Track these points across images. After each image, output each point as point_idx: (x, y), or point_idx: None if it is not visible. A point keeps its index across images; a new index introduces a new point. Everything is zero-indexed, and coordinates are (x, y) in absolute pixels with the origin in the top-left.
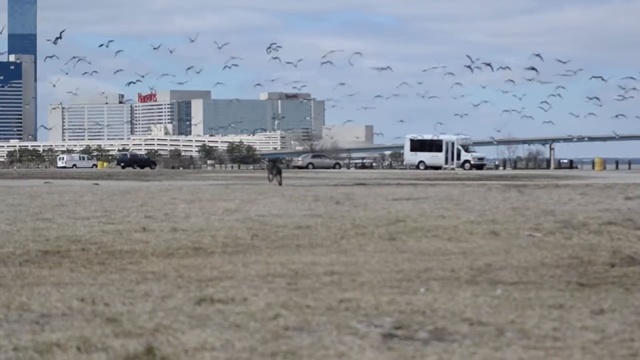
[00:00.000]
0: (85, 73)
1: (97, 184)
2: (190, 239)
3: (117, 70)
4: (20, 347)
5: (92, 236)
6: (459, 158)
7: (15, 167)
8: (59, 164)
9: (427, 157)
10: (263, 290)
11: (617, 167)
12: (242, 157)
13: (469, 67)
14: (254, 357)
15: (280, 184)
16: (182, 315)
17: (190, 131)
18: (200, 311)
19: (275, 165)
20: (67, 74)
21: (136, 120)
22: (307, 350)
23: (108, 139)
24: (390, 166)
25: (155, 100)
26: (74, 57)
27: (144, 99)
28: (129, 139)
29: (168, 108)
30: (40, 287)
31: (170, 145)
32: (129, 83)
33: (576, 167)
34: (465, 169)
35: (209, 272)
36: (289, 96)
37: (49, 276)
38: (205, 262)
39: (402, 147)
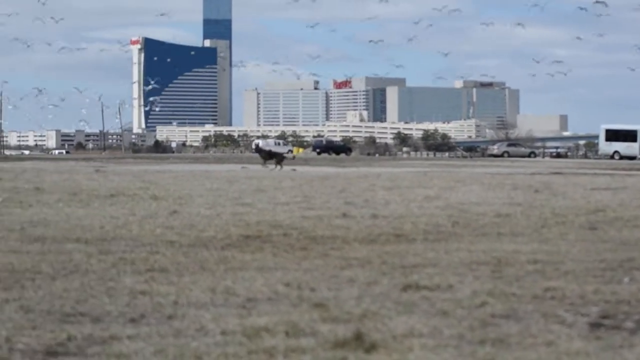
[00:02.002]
0: (279, 60)
1: (294, 169)
2: (391, 226)
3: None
4: (228, 331)
5: (293, 221)
6: None
7: (211, 152)
8: None
9: (622, 147)
10: (468, 278)
11: None
12: (437, 144)
13: None
14: (462, 344)
15: (278, 167)
16: (389, 302)
17: (385, 118)
18: (407, 297)
19: (268, 154)
20: (262, 59)
21: (331, 107)
22: (515, 338)
23: (303, 124)
24: (584, 156)
25: (351, 87)
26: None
27: (339, 85)
28: (324, 125)
29: (363, 95)
30: (244, 272)
31: (365, 131)
32: None
33: None
34: None
35: (412, 259)
36: (483, 84)
37: (251, 261)
38: (408, 249)
39: (596, 136)
